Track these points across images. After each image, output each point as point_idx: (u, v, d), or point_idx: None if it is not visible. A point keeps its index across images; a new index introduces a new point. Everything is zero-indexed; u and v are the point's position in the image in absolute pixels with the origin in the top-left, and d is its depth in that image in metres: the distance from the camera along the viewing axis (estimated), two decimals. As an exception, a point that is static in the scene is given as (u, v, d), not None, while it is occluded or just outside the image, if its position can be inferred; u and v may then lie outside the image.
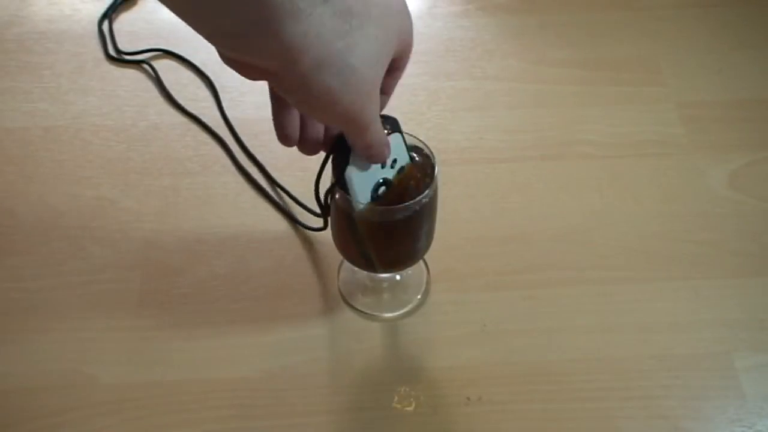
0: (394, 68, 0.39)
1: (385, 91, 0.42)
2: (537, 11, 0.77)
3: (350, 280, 0.58)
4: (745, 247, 0.60)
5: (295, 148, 0.43)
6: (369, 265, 0.53)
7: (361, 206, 0.44)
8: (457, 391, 0.52)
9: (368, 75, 0.35)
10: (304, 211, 0.62)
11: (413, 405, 0.52)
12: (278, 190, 0.63)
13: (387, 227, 0.46)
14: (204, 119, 0.68)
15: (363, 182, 0.43)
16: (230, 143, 0.66)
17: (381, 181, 0.44)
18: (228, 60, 0.35)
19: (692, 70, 0.72)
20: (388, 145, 0.41)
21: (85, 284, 0.58)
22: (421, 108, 0.69)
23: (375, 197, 0.44)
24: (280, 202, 0.62)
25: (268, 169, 0.64)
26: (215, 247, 0.60)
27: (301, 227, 0.61)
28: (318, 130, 0.43)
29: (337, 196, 0.46)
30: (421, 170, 0.46)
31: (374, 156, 0.41)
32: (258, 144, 0.66)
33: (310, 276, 0.58)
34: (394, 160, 0.44)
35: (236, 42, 0.32)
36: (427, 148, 0.47)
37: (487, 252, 0.60)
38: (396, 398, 0.52)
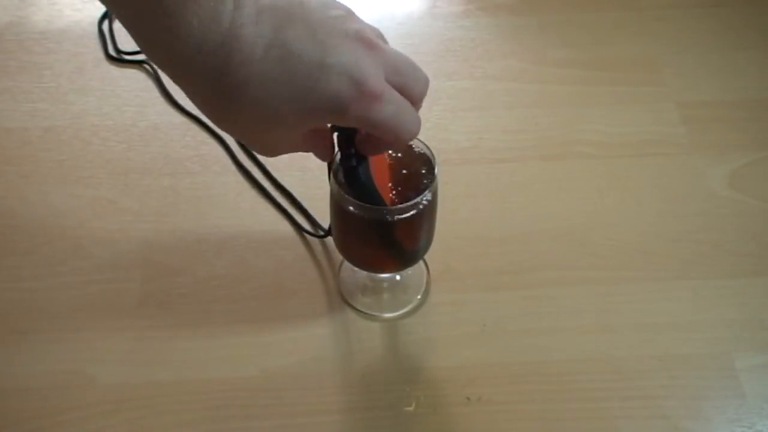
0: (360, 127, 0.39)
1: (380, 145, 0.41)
2: (537, 11, 0.77)
3: (350, 280, 0.58)
4: (745, 247, 0.60)
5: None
6: (369, 265, 0.53)
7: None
8: (457, 391, 0.52)
9: (253, 141, 0.38)
10: (305, 211, 0.62)
11: (413, 405, 0.52)
12: (279, 190, 0.63)
13: (387, 227, 0.46)
14: (204, 119, 0.68)
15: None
16: (230, 143, 0.66)
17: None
18: None
19: (692, 70, 0.72)
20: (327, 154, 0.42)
21: (85, 284, 0.58)
22: (422, 108, 0.69)
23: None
24: (282, 204, 0.62)
25: (269, 168, 0.64)
26: (215, 247, 0.60)
27: (304, 232, 0.61)
28: None
29: (335, 192, 0.46)
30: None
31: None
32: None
33: (310, 276, 0.58)
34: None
35: None
36: (427, 148, 0.47)
37: (487, 252, 0.60)
38: (396, 398, 0.52)
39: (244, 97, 0.33)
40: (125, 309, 0.56)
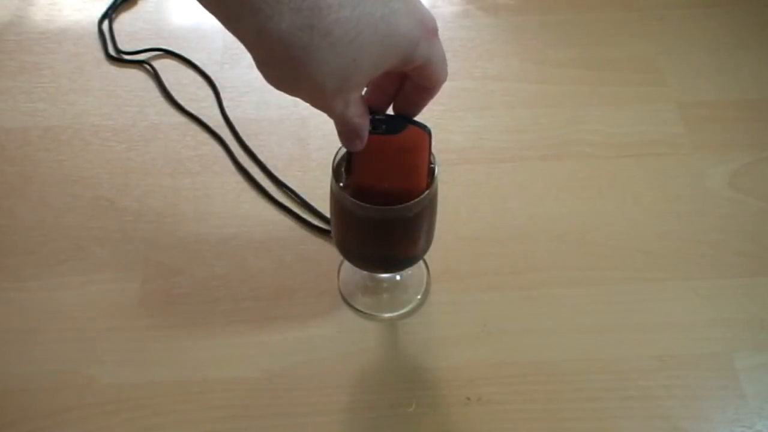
0: (414, 83, 0.41)
1: (415, 102, 0.43)
2: (537, 11, 0.77)
3: (350, 280, 0.58)
4: (745, 247, 0.60)
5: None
6: (369, 265, 0.53)
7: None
8: (457, 391, 0.52)
9: (328, 86, 0.36)
10: (310, 206, 0.62)
11: (413, 405, 0.52)
12: (280, 189, 0.63)
13: (387, 227, 0.46)
14: (204, 119, 0.68)
15: None
16: (230, 143, 0.66)
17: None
18: None
19: (692, 70, 0.72)
20: (359, 136, 0.41)
21: (85, 284, 0.58)
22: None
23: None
24: (282, 201, 0.62)
25: (269, 168, 0.64)
26: (215, 247, 0.60)
27: (305, 225, 0.61)
28: None
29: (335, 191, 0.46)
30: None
31: (342, 136, 0.42)
32: (258, 144, 0.66)
33: (310, 276, 0.58)
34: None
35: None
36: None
37: (487, 252, 0.60)
38: (396, 398, 0.52)
39: (327, 48, 0.34)
40: (125, 309, 0.56)
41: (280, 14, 0.33)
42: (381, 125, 0.42)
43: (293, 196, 0.63)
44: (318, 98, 0.37)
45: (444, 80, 0.41)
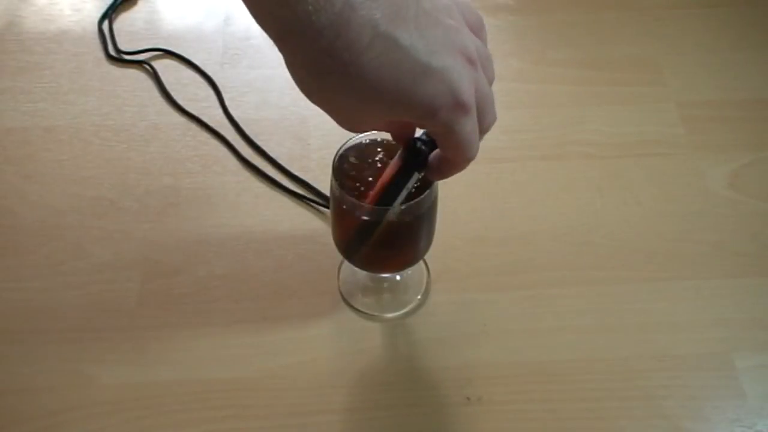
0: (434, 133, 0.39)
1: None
2: (537, 11, 0.78)
3: (350, 280, 0.58)
4: (745, 247, 0.60)
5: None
6: (369, 265, 0.53)
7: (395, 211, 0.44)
8: (457, 391, 0.52)
9: (336, 118, 0.36)
10: (309, 200, 0.62)
11: (413, 405, 0.52)
12: (290, 179, 0.64)
13: (387, 228, 0.46)
14: (204, 119, 0.68)
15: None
16: (233, 141, 0.66)
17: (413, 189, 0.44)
18: None
19: (692, 70, 0.72)
20: None
21: (85, 284, 0.58)
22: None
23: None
24: (283, 200, 0.62)
25: (270, 167, 0.64)
26: (215, 247, 0.60)
27: (306, 224, 0.61)
28: None
29: (336, 192, 0.46)
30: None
31: None
32: (258, 144, 0.66)
33: (310, 276, 0.58)
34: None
35: None
36: (427, 148, 0.47)
37: (487, 252, 0.60)
38: (396, 398, 0.52)
39: (341, 80, 0.34)
40: (125, 309, 0.56)
41: (309, 40, 0.32)
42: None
43: (296, 190, 0.62)
44: (334, 118, 0.37)
45: (466, 160, 0.38)
